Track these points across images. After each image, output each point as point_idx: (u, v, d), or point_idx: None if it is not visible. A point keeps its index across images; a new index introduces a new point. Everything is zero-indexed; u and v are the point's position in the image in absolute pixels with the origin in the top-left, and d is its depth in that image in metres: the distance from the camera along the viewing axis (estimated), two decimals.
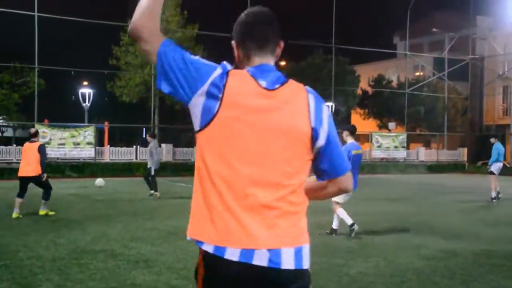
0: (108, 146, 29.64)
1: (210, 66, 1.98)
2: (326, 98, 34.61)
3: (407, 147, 34.88)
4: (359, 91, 40.77)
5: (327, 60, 36.81)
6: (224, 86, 1.92)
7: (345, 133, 8.80)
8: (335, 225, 8.85)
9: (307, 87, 2.15)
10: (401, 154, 33.38)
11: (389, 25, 64.78)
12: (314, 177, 2.11)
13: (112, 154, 28.26)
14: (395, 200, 15.04)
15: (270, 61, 2.08)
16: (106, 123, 33.70)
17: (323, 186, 2.11)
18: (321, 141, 2.01)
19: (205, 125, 1.95)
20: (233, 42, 2.10)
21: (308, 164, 2.04)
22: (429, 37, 47.61)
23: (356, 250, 7.47)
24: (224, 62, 2.00)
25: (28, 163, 10.30)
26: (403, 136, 33.67)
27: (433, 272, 6.27)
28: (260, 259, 1.89)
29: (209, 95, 1.93)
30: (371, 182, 23.34)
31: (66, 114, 34.77)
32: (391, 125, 40.33)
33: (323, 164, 2.05)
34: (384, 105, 40.20)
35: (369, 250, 7.52)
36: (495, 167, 15.68)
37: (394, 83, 42.06)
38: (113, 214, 11.00)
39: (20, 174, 10.41)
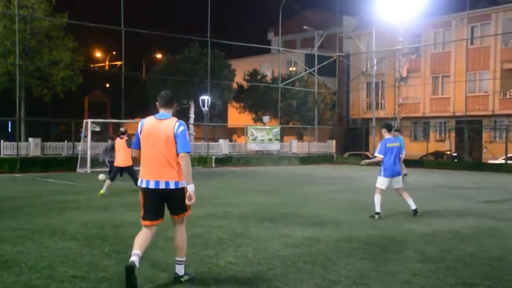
0: None
1: (140, 125, 5.38)
2: (202, 91, 34.80)
3: (281, 140, 36.15)
4: (234, 85, 41.41)
5: (203, 54, 36.94)
6: (143, 124, 5.38)
7: (383, 130, 10.37)
8: (412, 206, 10.42)
9: (179, 120, 5.34)
10: (275, 146, 34.53)
11: (264, 21, 66.44)
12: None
13: None
14: (268, 192, 15.56)
15: (167, 111, 5.40)
16: None
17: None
18: (176, 138, 5.23)
19: (140, 137, 5.40)
20: (157, 103, 5.42)
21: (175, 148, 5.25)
22: (301, 34, 49.63)
23: (227, 241, 7.65)
24: (142, 120, 5.43)
25: (120, 155, 13.26)
26: (277, 129, 34.85)
27: (297, 258, 6.63)
28: (161, 185, 5.22)
29: (140, 131, 5.41)
30: (246, 174, 23.93)
31: None
32: (266, 118, 41.52)
33: (177, 148, 5.22)
34: (259, 99, 41.24)
35: (239, 240, 7.74)
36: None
37: (269, 78, 43.27)
38: None
39: (116, 164, 13.52)
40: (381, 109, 41.83)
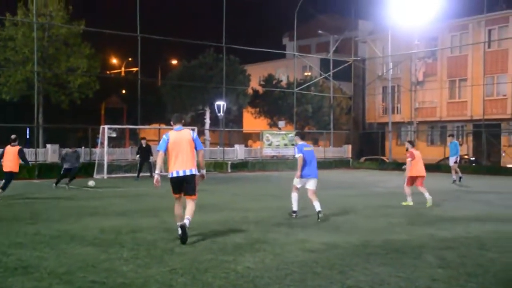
0: None
1: (166, 136, 8.25)
2: (217, 97, 34.87)
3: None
4: (250, 90, 41.44)
5: (218, 59, 37.04)
6: (169, 136, 8.24)
7: (296, 138, 11.12)
8: (317, 207, 10.48)
9: (190, 129, 8.76)
10: (290, 151, 34.43)
11: (279, 26, 66.45)
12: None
13: None
14: (284, 197, 15.44)
15: (181, 125, 8.45)
16: None
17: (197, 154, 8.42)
18: (195, 142, 8.31)
19: (167, 145, 8.22)
20: (171, 121, 8.50)
21: (194, 148, 8.32)
22: (316, 39, 49.57)
23: (245, 246, 7.64)
24: (167, 133, 8.35)
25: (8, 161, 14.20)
26: (292, 134, 34.74)
27: (315, 263, 6.60)
28: (185, 173, 8.09)
29: (167, 141, 8.23)
30: (262, 179, 23.90)
31: None
32: (281, 123, 41.47)
33: (196, 147, 8.29)
34: (274, 104, 41.22)
35: (257, 245, 7.72)
36: (453, 159, 21.25)
37: (284, 83, 43.24)
38: None
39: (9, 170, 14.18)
40: (397, 113, 41.54)
